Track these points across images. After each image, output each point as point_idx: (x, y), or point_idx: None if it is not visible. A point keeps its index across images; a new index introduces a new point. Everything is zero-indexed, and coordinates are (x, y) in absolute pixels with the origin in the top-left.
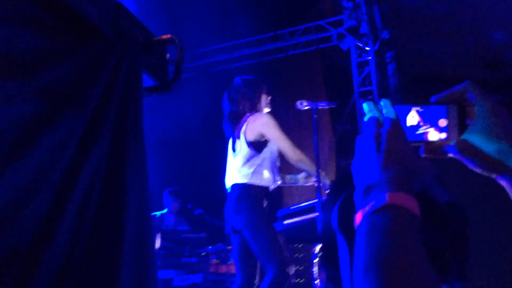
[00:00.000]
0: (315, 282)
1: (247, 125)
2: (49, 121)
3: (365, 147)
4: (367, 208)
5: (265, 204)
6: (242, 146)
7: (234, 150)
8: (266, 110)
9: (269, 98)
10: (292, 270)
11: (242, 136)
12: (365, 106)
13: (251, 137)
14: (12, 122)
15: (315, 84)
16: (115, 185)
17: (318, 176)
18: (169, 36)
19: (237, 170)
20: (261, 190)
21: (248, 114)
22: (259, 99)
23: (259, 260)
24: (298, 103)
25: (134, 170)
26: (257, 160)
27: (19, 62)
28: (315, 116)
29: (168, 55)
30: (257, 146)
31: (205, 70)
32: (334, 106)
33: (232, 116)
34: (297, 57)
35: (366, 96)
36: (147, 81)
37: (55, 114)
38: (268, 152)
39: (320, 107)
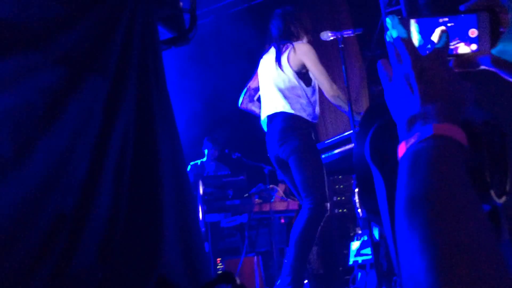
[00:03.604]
0: (358, 211)
1: (289, 53)
2: (74, 88)
3: (403, 76)
4: (412, 140)
5: (313, 136)
6: (287, 74)
7: (274, 75)
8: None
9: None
10: (328, 205)
11: (286, 64)
12: (388, 21)
13: (296, 66)
14: (39, 93)
15: (339, 10)
16: (146, 141)
17: (350, 108)
18: None
19: (280, 98)
20: (308, 123)
21: (291, 42)
22: (303, 31)
23: (300, 191)
24: (322, 34)
25: (163, 123)
26: (303, 92)
27: (37, 31)
28: (341, 45)
29: (181, 4)
30: (303, 77)
31: (224, 11)
32: (360, 32)
33: (278, 38)
34: None
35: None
36: (164, 34)
37: (79, 79)
38: (313, 85)
39: (345, 36)
